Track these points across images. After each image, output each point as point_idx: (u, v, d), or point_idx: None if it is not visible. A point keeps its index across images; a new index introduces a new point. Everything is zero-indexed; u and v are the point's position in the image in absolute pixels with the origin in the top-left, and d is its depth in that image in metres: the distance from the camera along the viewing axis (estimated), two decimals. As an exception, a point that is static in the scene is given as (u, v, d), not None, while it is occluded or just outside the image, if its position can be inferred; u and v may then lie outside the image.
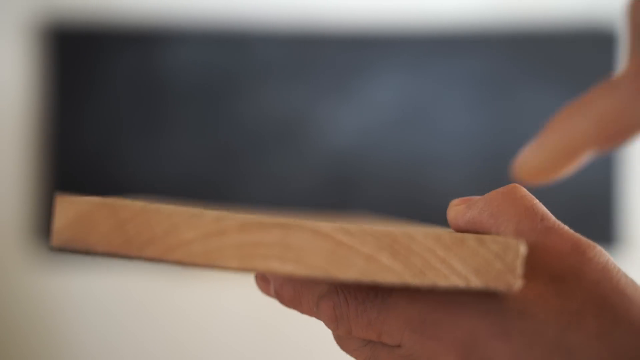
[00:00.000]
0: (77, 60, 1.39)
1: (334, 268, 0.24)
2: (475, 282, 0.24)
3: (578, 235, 0.27)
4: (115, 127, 1.38)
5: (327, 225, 0.24)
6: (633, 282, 0.26)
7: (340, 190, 1.38)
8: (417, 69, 1.37)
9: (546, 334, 0.24)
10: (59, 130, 1.38)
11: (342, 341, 0.29)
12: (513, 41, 1.36)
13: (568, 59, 1.33)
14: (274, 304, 0.42)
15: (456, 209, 0.30)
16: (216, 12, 1.39)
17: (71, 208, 0.25)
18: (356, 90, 1.37)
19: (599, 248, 0.27)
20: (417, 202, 1.38)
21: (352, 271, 0.24)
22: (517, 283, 0.24)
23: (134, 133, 1.38)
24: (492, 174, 1.38)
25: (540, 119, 1.42)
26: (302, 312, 0.30)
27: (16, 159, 1.39)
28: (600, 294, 0.25)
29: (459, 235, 0.24)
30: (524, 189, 0.29)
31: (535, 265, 0.26)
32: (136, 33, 1.38)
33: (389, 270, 0.24)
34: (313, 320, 0.32)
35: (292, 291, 0.29)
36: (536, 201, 0.29)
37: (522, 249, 0.24)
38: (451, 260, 0.24)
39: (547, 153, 0.32)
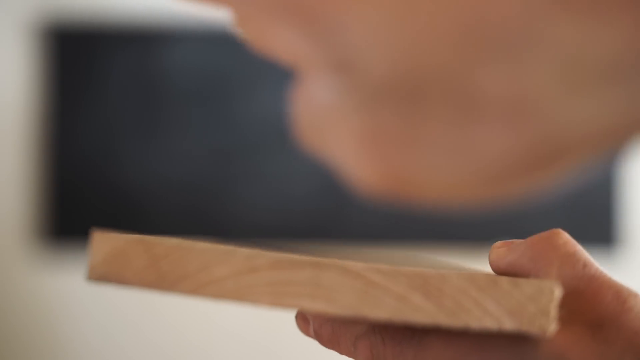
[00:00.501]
0: (76, 61, 1.39)
1: (365, 307, 0.24)
2: (508, 325, 0.24)
3: (620, 284, 0.27)
4: (114, 127, 1.38)
5: (359, 265, 0.24)
6: None
7: (338, 191, 1.38)
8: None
9: None
10: (58, 129, 1.38)
11: None
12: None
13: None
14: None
15: (497, 252, 0.29)
16: (215, 14, 1.38)
17: (107, 243, 0.25)
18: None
19: (639, 295, 0.27)
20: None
21: (383, 310, 0.24)
22: (551, 327, 0.24)
23: (133, 133, 1.38)
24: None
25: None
26: (340, 352, 0.30)
27: (16, 158, 1.39)
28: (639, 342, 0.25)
29: (493, 276, 0.24)
30: (567, 235, 0.29)
31: (575, 311, 0.26)
32: (135, 34, 1.38)
33: (421, 311, 0.24)
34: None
35: (331, 331, 0.30)
36: (579, 247, 0.28)
37: (557, 292, 0.24)
38: (484, 302, 0.24)
39: None
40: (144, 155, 1.38)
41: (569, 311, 0.26)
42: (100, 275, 0.25)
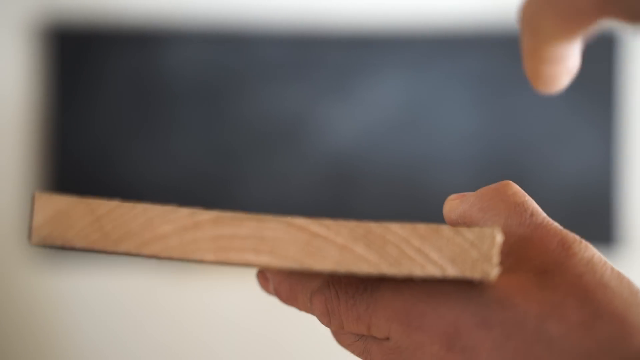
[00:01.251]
0: (77, 61, 1.39)
1: (309, 259, 0.24)
2: (451, 271, 0.24)
3: (565, 231, 0.27)
4: (116, 127, 1.38)
5: (301, 219, 0.24)
6: (618, 276, 0.26)
7: (340, 191, 1.38)
8: (417, 69, 1.37)
9: (526, 324, 0.25)
10: (59, 130, 1.38)
11: (338, 336, 0.30)
12: (513, 42, 1.36)
13: (568, 58, 1.33)
14: (272, 303, 0.42)
15: (450, 204, 0.30)
16: (216, 12, 1.39)
17: (49, 205, 0.25)
18: (356, 90, 1.37)
19: (585, 243, 0.27)
20: (417, 202, 1.38)
21: (326, 262, 0.24)
22: (494, 271, 0.24)
23: (135, 133, 1.38)
24: (492, 174, 1.38)
25: (541, 119, 1.43)
26: (299, 308, 0.30)
27: (16, 159, 1.39)
28: (583, 286, 0.25)
29: (435, 225, 0.25)
30: (516, 186, 0.29)
31: (521, 258, 0.26)
32: (136, 33, 1.38)
33: (364, 261, 0.24)
34: (311, 321, 0.32)
35: (289, 288, 0.30)
36: (527, 198, 0.29)
37: (498, 237, 0.24)
38: (427, 250, 0.24)
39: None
40: (144, 155, 1.38)
41: (515, 259, 0.26)
42: (43, 238, 0.25)
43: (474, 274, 0.24)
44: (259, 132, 1.39)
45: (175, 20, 1.38)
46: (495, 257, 0.24)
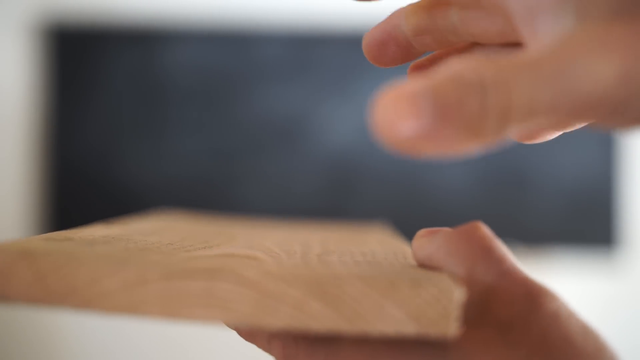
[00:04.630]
0: (76, 60, 1.39)
1: (262, 315, 0.23)
2: (409, 329, 0.23)
3: (532, 280, 0.26)
4: (115, 127, 1.38)
5: (254, 271, 0.23)
6: (584, 330, 0.25)
7: (339, 191, 1.38)
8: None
9: None
10: (58, 129, 1.38)
11: None
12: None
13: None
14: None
15: (418, 242, 0.28)
16: (216, 12, 1.38)
17: None
18: (357, 90, 1.37)
19: (551, 293, 0.26)
20: (416, 202, 1.37)
21: (280, 318, 0.23)
22: (452, 330, 0.23)
23: (134, 132, 1.38)
24: (492, 171, 1.37)
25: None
26: (258, 346, 0.29)
27: (16, 158, 1.39)
28: (548, 344, 0.24)
29: (393, 279, 0.23)
30: (485, 229, 0.28)
31: (485, 310, 0.25)
32: (136, 33, 1.38)
33: (320, 318, 0.23)
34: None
35: (249, 328, 0.29)
36: (495, 242, 0.27)
37: (458, 294, 0.23)
38: (385, 306, 0.23)
39: None
40: (144, 155, 1.38)
41: (480, 310, 0.25)
42: None
43: (433, 332, 0.23)
44: (259, 132, 1.38)
45: (175, 20, 1.38)
46: (455, 315, 0.23)
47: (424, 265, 0.28)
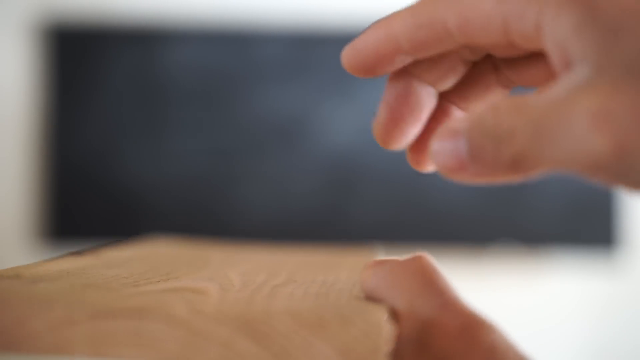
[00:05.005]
0: (76, 60, 1.39)
1: (191, 355, 0.23)
2: None
3: (470, 313, 0.26)
4: (115, 126, 1.38)
5: (185, 310, 0.23)
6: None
7: (339, 191, 1.38)
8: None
9: None
10: (58, 129, 1.38)
11: None
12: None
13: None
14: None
15: (365, 273, 0.28)
16: (216, 12, 1.38)
17: None
18: (357, 90, 1.37)
19: (489, 325, 0.25)
20: (415, 203, 1.37)
21: (209, 358, 0.23)
22: None
23: (134, 132, 1.38)
24: (492, 174, 1.37)
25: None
26: None
27: (16, 158, 1.39)
28: None
29: (322, 314, 0.23)
30: (428, 260, 0.27)
31: (423, 345, 0.25)
32: (136, 33, 1.38)
33: (248, 355, 0.23)
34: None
35: None
36: (437, 274, 0.27)
37: (388, 330, 0.23)
38: (314, 343, 0.23)
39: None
40: (144, 154, 1.38)
41: (418, 345, 0.25)
42: None
43: None
44: (258, 133, 1.38)
45: (175, 20, 1.38)
46: (385, 349, 0.23)
47: (369, 297, 0.27)
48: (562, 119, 0.20)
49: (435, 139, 0.22)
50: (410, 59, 0.26)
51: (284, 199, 1.38)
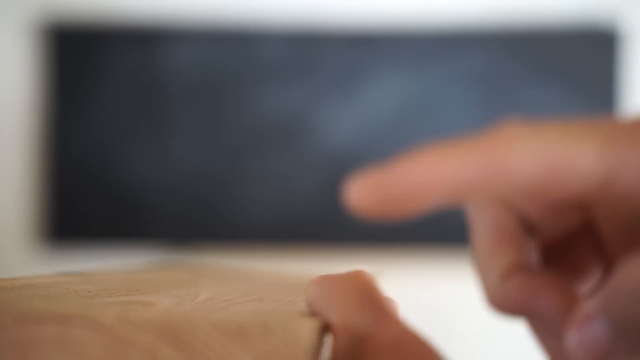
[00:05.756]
0: (77, 60, 1.38)
1: None
2: None
3: (405, 329, 0.25)
4: (114, 127, 1.38)
5: (108, 316, 0.24)
6: None
7: (341, 189, 1.38)
8: (416, 68, 1.37)
9: None
10: (58, 129, 1.38)
11: None
12: (513, 40, 1.35)
13: (568, 57, 1.33)
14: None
15: (309, 289, 0.28)
16: (217, 11, 1.38)
17: None
18: (357, 90, 1.37)
19: (422, 345, 0.25)
20: (417, 202, 1.37)
21: None
22: None
23: (133, 133, 1.38)
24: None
25: (540, 116, 1.42)
26: None
27: (15, 158, 1.39)
28: None
29: (243, 324, 0.24)
30: (365, 276, 0.27)
31: (358, 359, 0.25)
32: (136, 32, 1.38)
33: None
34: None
35: None
36: (376, 290, 0.27)
37: (308, 340, 0.23)
38: (236, 350, 0.23)
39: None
40: (146, 154, 1.38)
41: (354, 358, 0.25)
42: None
43: None
44: (259, 132, 1.38)
45: (176, 19, 1.38)
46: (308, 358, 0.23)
47: (310, 311, 0.27)
48: None
49: (570, 330, 0.19)
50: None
51: (286, 197, 1.38)
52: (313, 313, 0.27)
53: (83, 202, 1.37)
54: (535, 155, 0.19)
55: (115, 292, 0.30)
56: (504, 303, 0.24)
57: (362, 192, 0.23)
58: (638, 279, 0.17)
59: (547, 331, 0.25)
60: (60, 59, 1.38)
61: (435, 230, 1.38)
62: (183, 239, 1.37)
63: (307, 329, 0.24)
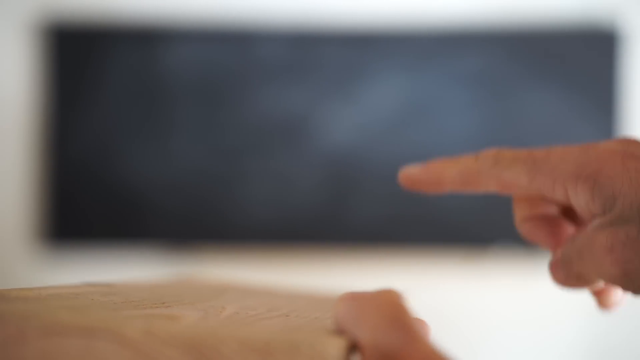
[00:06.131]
0: (77, 60, 1.39)
1: None
2: None
3: (431, 352, 0.26)
4: (117, 127, 1.38)
5: (133, 330, 0.23)
6: None
7: (340, 190, 1.38)
8: (416, 68, 1.37)
9: None
10: (58, 129, 1.38)
11: None
12: (512, 40, 1.36)
13: (568, 57, 1.33)
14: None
15: (337, 306, 0.29)
16: (217, 11, 1.39)
17: None
18: (357, 89, 1.37)
19: None
20: (417, 202, 1.37)
21: None
22: None
23: (133, 133, 1.38)
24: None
25: (540, 117, 1.42)
26: None
27: (15, 158, 1.39)
28: None
29: (269, 340, 0.24)
30: (395, 294, 0.28)
31: None
32: (137, 32, 1.38)
33: None
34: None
35: None
36: (405, 311, 0.27)
37: (336, 358, 0.23)
38: None
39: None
40: (146, 154, 1.38)
41: None
42: None
43: None
44: (260, 132, 1.38)
45: (176, 19, 1.38)
46: None
47: (337, 329, 0.28)
48: (590, 250, 0.31)
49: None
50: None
51: (286, 196, 1.38)
52: (340, 331, 0.27)
53: (84, 203, 1.38)
54: (491, 177, 0.36)
55: (141, 305, 0.30)
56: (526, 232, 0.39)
57: (410, 174, 0.39)
58: (566, 246, 0.34)
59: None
60: (61, 58, 1.38)
61: (436, 230, 1.38)
62: (184, 239, 1.37)
63: (335, 347, 0.23)
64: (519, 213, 0.39)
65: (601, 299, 0.37)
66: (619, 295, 0.38)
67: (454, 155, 0.37)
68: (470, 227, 1.38)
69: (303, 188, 1.38)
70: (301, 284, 0.64)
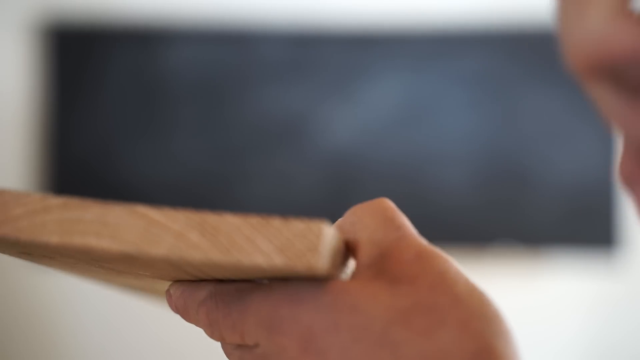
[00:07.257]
0: (77, 60, 1.39)
1: (146, 244, 0.25)
2: (277, 261, 0.25)
3: (424, 245, 0.29)
4: (117, 127, 1.38)
5: (145, 207, 0.26)
6: (470, 287, 0.27)
7: (340, 189, 1.38)
8: (417, 68, 1.37)
9: (373, 328, 0.26)
10: (59, 128, 1.38)
11: (223, 347, 0.31)
12: (512, 41, 1.36)
13: (568, 59, 1.34)
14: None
15: (339, 219, 0.31)
16: (218, 12, 1.39)
17: None
18: (357, 90, 1.37)
19: (442, 257, 0.28)
20: (417, 201, 1.38)
21: (161, 247, 0.25)
22: (319, 263, 0.25)
23: (135, 132, 1.38)
24: (491, 171, 1.38)
25: (541, 118, 1.43)
26: (191, 321, 0.32)
27: (16, 157, 1.39)
28: (433, 297, 0.26)
29: (267, 216, 0.26)
30: (389, 203, 0.31)
31: (380, 270, 0.28)
32: (137, 32, 1.38)
33: (197, 248, 0.25)
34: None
35: (183, 302, 0.31)
36: (397, 213, 0.30)
37: (326, 230, 0.25)
38: (256, 239, 0.25)
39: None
40: (145, 154, 1.38)
41: (376, 270, 0.28)
42: None
43: (301, 263, 0.25)
44: (260, 131, 1.39)
45: (177, 20, 1.38)
46: (322, 250, 0.25)
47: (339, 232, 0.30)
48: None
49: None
50: None
51: (287, 196, 1.38)
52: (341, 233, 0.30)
53: (83, 202, 1.38)
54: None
55: None
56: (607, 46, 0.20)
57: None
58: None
59: None
60: (61, 59, 1.39)
61: (436, 230, 1.38)
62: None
63: (329, 229, 0.26)
64: None
65: None
66: None
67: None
68: (470, 226, 1.38)
69: (303, 187, 1.38)
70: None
